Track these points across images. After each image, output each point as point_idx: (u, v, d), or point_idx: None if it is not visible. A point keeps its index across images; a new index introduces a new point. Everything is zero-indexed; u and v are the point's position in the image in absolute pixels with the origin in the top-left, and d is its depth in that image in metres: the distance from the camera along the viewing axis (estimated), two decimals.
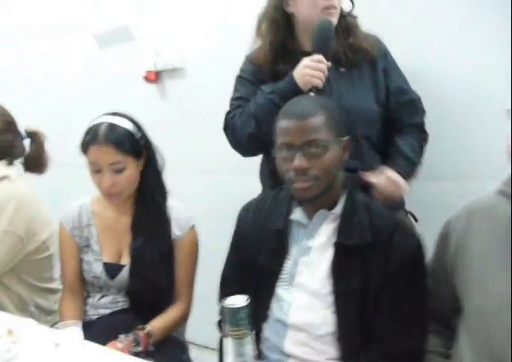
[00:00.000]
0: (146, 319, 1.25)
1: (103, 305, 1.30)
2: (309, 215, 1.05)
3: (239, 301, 0.60)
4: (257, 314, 1.02)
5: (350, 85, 1.32)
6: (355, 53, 1.32)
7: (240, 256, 1.11)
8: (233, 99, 1.42)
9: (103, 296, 1.30)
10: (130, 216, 1.29)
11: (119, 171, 1.20)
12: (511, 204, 0.85)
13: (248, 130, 1.32)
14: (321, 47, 1.25)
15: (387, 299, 0.97)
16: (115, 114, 1.24)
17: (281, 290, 1.04)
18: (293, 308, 1.02)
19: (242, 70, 1.43)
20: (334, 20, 1.29)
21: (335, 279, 0.99)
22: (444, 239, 0.96)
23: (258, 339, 1.05)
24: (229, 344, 0.59)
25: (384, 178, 1.23)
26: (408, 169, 1.31)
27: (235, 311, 0.59)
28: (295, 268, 1.04)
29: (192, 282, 1.34)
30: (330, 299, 0.99)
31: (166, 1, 2.10)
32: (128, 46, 2.20)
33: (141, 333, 1.19)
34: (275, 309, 1.05)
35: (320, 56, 1.23)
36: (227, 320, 0.60)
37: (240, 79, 1.42)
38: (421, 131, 1.36)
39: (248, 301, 0.61)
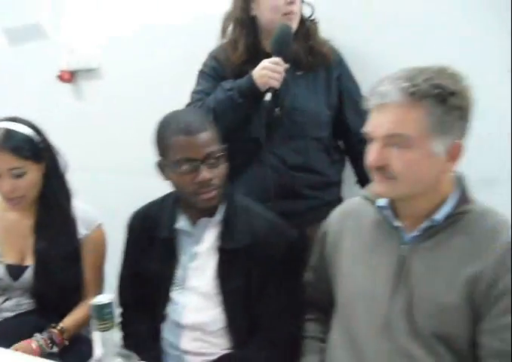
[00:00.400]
0: (52, 320, 1.26)
1: (7, 308, 1.29)
2: (193, 222, 1.12)
3: (104, 299, 0.67)
4: (156, 316, 1.13)
5: (305, 88, 1.39)
6: (314, 57, 1.38)
7: (133, 263, 1.18)
8: (194, 92, 1.45)
9: (6, 299, 1.30)
10: (32, 218, 1.30)
11: (19, 176, 1.21)
12: (374, 207, 0.96)
13: None
14: (280, 50, 1.30)
15: (267, 292, 1.07)
16: (12, 119, 1.24)
17: (175, 294, 1.13)
18: (186, 310, 1.11)
19: (204, 65, 1.47)
20: (294, 25, 1.35)
21: (221, 280, 1.08)
22: (322, 238, 1.07)
23: (159, 338, 1.13)
24: (97, 336, 0.66)
25: None
26: None
27: (101, 307, 0.66)
28: (185, 273, 1.12)
29: (100, 280, 1.36)
30: (218, 298, 1.09)
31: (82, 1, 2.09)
32: (42, 44, 2.17)
33: (55, 331, 1.21)
34: (171, 312, 1.13)
35: (278, 59, 1.28)
36: (95, 315, 0.67)
37: (202, 73, 1.46)
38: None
39: (112, 299, 0.68)
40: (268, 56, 1.31)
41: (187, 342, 1.11)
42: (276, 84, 1.27)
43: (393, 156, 0.85)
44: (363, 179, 1.38)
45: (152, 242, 1.14)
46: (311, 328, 1.10)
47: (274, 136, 1.36)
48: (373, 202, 0.95)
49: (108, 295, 0.68)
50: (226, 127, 1.24)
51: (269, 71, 1.27)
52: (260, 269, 1.07)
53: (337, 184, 1.47)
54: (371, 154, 0.87)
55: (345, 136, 1.46)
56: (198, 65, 1.74)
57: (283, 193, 1.35)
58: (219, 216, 1.11)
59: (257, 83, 1.28)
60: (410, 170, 0.85)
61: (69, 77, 2.11)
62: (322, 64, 1.39)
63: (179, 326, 1.12)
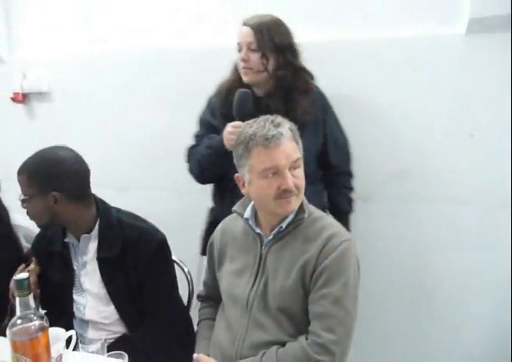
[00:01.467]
0: None
1: None
2: (77, 237, 1.38)
3: (22, 275, 0.93)
4: (67, 314, 1.41)
5: None
6: (299, 116, 1.48)
7: (41, 272, 1.41)
8: (195, 135, 1.68)
9: None
10: None
11: None
12: (243, 219, 1.25)
13: (195, 173, 1.63)
14: (240, 115, 1.48)
15: (147, 286, 1.35)
16: None
17: (76, 296, 1.41)
18: (87, 309, 1.39)
19: (203, 112, 1.69)
20: (248, 78, 1.54)
21: (105, 283, 1.36)
22: (210, 248, 1.36)
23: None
24: (18, 301, 0.93)
25: None
26: (348, 221, 1.69)
27: (20, 280, 0.93)
28: (80, 279, 1.39)
29: None
30: (107, 296, 1.37)
31: (36, 30, 2.32)
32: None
33: None
34: (76, 310, 1.41)
35: (239, 123, 1.42)
36: (16, 286, 0.93)
37: (200, 120, 1.68)
38: (350, 175, 1.71)
39: (28, 275, 0.95)
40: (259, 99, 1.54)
41: (92, 332, 1.39)
42: None
43: (297, 176, 1.14)
44: (333, 203, 1.68)
45: (52, 256, 1.40)
46: (206, 312, 1.40)
47: None
48: (242, 215, 1.25)
49: (24, 274, 0.96)
50: (213, 173, 1.58)
51: (231, 135, 1.44)
52: (136, 270, 1.34)
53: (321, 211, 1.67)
54: (289, 180, 1.12)
55: (326, 169, 1.67)
56: (145, 89, 2.06)
57: None
58: (95, 231, 1.37)
59: (226, 145, 1.48)
60: (304, 184, 1.17)
61: (22, 98, 2.36)
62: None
63: (84, 321, 1.41)
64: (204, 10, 1.98)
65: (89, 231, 1.37)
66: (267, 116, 1.18)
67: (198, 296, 1.46)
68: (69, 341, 1.13)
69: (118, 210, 1.43)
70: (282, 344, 1.14)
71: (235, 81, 1.59)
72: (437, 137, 1.74)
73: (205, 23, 1.99)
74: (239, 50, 1.57)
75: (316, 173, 1.64)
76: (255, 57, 1.53)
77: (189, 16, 2.01)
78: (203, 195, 1.76)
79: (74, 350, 1.15)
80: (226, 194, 1.59)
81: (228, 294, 1.26)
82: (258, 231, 1.23)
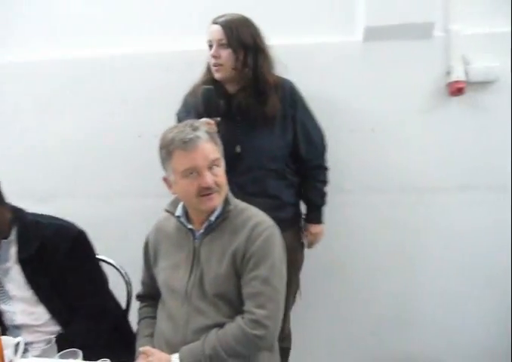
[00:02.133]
0: None
1: None
2: None
3: None
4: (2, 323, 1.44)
5: (262, 130, 1.59)
6: (261, 114, 1.56)
7: None
8: None
9: None
10: None
11: None
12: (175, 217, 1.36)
13: None
14: (207, 111, 1.51)
15: (69, 280, 1.41)
16: None
17: (4, 306, 1.44)
18: (17, 315, 1.43)
19: (178, 110, 1.68)
20: (220, 75, 1.58)
21: (30, 286, 1.41)
22: (145, 247, 1.44)
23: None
24: None
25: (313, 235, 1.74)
26: (320, 214, 1.75)
27: None
28: (5, 287, 1.43)
29: None
30: (35, 297, 1.41)
31: None
32: None
33: None
34: (6, 320, 1.44)
35: (208, 120, 1.48)
36: None
37: (176, 118, 1.67)
38: (324, 169, 1.74)
39: None
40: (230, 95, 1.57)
41: (26, 336, 1.41)
42: None
43: (216, 174, 1.25)
44: (306, 196, 1.73)
45: None
46: (145, 311, 1.47)
47: (236, 169, 1.54)
48: (173, 214, 1.35)
49: None
50: None
51: None
52: (57, 266, 1.40)
53: (293, 204, 1.72)
54: (208, 178, 1.22)
55: (299, 163, 1.71)
56: (67, 98, 2.00)
57: None
58: (13, 235, 1.41)
59: None
60: (225, 181, 1.29)
61: None
62: (266, 115, 1.58)
63: (15, 327, 1.44)
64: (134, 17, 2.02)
65: (6, 237, 1.40)
66: (187, 121, 1.29)
67: (137, 296, 1.53)
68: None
69: (35, 214, 1.48)
70: (222, 326, 1.25)
71: (208, 80, 1.62)
72: (344, 132, 1.94)
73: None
74: (210, 48, 1.60)
75: (285, 167, 1.68)
76: (226, 53, 1.57)
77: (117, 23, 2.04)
78: (135, 199, 1.82)
79: (22, 356, 1.18)
80: None
81: (167, 287, 1.35)
82: (190, 226, 1.33)
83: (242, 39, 1.56)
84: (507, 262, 1.91)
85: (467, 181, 1.92)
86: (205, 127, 1.28)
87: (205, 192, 1.24)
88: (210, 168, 1.24)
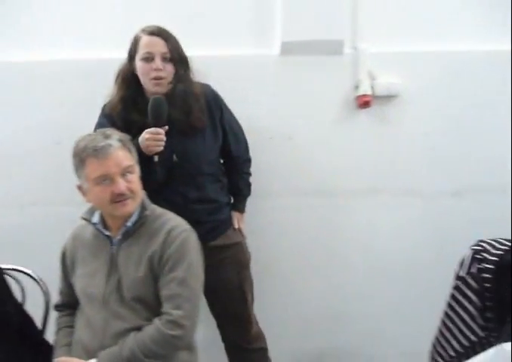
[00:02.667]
0: None
1: None
2: None
3: None
4: None
5: (195, 136, 1.61)
6: (190, 126, 1.57)
7: None
8: None
9: None
10: None
11: None
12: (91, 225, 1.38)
13: None
14: (156, 121, 1.50)
15: None
16: None
17: None
18: None
19: (98, 124, 1.61)
20: (162, 89, 1.55)
21: None
22: (63, 256, 1.45)
23: None
24: None
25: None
26: (245, 204, 1.81)
27: None
28: None
29: None
30: None
31: None
32: None
33: None
34: None
35: (157, 129, 1.48)
36: None
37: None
38: (249, 162, 1.83)
39: None
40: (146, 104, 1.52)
41: None
42: (161, 149, 1.49)
43: (129, 180, 1.28)
44: (234, 187, 1.78)
45: None
46: (63, 320, 1.47)
47: (176, 177, 1.58)
48: (89, 221, 1.37)
49: None
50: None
51: (151, 141, 1.48)
52: None
53: (227, 204, 1.76)
54: (121, 185, 1.26)
55: (227, 159, 1.77)
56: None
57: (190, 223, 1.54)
58: None
59: (144, 151, 1.48)
60: (139, 187, 1.32)
61: None
62: (195, 128, 1.60)
63: None
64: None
65: None
66: (100, 130, 1.32)
67: (56, 306, 1.51)
68: None
69: None
70: (141, 329, 1.28)
71: (136, 91, 1.58)
72: (265, 139, 2.04)
73: None
74: (147, 60, 1.55)
75: (220, 170, 1.74)
76: (169, 67, 1.56)
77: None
78: (50, 207, 1.79)
79: None
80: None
81: (84, 295, 1.36)
82: (107, 233, 1.36)
83: (180, 53, 1.60)
84: (424, 259, 2.08)
85: (374, 185, 2.09)
86: (117, 135, 1.31)
87: (118, 199, 1.28)
88: (123, 175, 1.28)
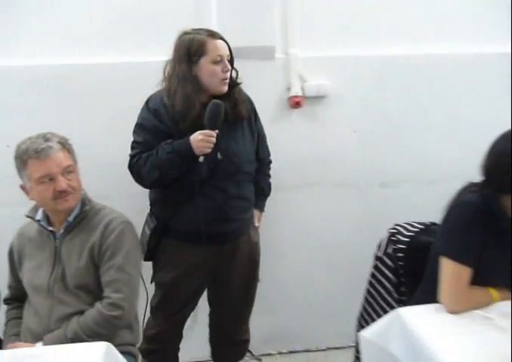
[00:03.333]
0: None
1: None
2: None
3: None
4: None
5: (237, 135, 1.69)
6: (237, 112, 1.67)
7: None
8: (136, 142, 1.65)
9: None
10: None
11: None
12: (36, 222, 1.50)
13: (152, 178, 1.61)
14: (212, 124, 1.56)
15: None
16: None
17: None
18: None
19: (143, 119, 1.65)
20: (226, 88, 1.64)
21: None
22: (11, 252, 1.56)
23: None
24: None
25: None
26: (265, 203, 1.94)
27: None
28: None
29: None
30: None
31: None
32: None
33: None
34: None
35: (212, 132, 1.54)
36: None
37: (141, 126, 1.65)
38: (271, 163, 1.95)
39: None
40: (203, 105, 1.58)
41: None
42: (210, 150, 1.56)
43: (70, 179, 1.40)
44: (259, 188, 1.86)
45: None
46: (12, 312, 1.60)
47: (217, 173, 1.63)
48: (34, 218, 1.49)
49: None
50: (172, 178, 1.60)
51: (205, 143, 1.54)
52: None
53: (254, 203, 1.85)
54: (62, 183, 1.38)
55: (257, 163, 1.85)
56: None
57: (221, 218, 1.67)
58: None
59: (194, 150, 1.54)
60: (79, 184, 1.44)
61: None
62: (242, 116, 1.70)
63: None
64: None
65: None
66: (40, 133, 1.43)
67: (4, 300, 1.62)
68: None
69: None
70: (83, 313, 1.41)
71: (198, 92, 1.61)
72: None
73: None
74: (216, 62, 1.61)
75: (254, 170, 1.81)
76: (231, 69, 1.67)
77: None
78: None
79: None
80: (187, 201, 1.65)
81: (31, 286, 1.48)
82: (51, 228, 1.48)
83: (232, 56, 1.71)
84: (358, 243, 2.25)
85: (310, 179, 2.28)
86: (57, 138, 1.43)
87: (60, 196, 1.40)
88: (63, 174, 1.41)
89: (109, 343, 1.19)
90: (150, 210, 1.80)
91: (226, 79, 1.64)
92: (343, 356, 2.37)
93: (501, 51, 2.22)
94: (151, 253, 1.72)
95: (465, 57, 2.26)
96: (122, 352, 1.28)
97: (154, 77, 1.71)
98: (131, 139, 1.71)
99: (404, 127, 2.31)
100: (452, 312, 1.31)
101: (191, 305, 1.87)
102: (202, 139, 1.55)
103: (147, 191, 1.80)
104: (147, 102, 1.69)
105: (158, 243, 1.71)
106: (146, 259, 1.74)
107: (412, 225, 1.85)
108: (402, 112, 2.30)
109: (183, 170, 1.61)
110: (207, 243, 1.69)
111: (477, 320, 1.27)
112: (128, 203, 1.88)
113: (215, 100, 1.59)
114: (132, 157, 1.66)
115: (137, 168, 1.63)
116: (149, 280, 1.80)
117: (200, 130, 1.57)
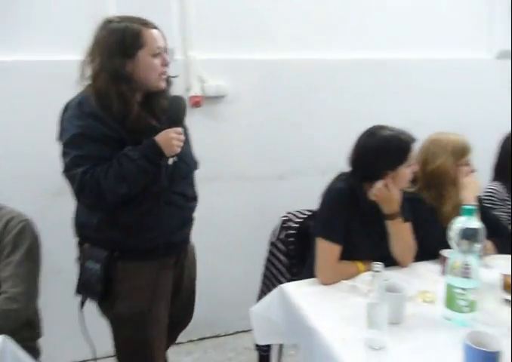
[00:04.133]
0: None
1: None
2: None
3: None
4: None
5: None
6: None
7: None
8: (79, 157, 1.37)
9: None
10: None
11: None
12: None
13: (119, 193, 1.38)
14: (179, 121, 1.45)
15: None
16: None
17: None
18: None
19: (80, 126, 1.37)
20: (164, 84, 1.47)
21: None
22: None
23: None
24: None
25: None
26: None
27: None
28: None
29: None
30: None
31: None
32: None
33: None
34: None
35: (180, 129, 1.42)
36: None
37: (81, 136, 1.37)
38: None
39: None
40: (140, 105, 1.41)
41: None
42: (179, 150, 1.42)
43: None
44: None
45: None
46: None
47: (174, 177, 1.49)
48: None
49: None
50: (140, 188, 1.41)
51: (176, 141, 1.41)
52: None
53: None
54: None
55: None
56: None
57: (183, 224, 1.57)
58: None
59: (165, 151, 1.39)
60: None
61: None
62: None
63: None
64: None
65: None
66: None
67: None
68: None
69: None
70: None
71: (134, 89, 1.42)
72: None
73: None
74: (155, 55, 1.43)
75: None
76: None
77: None
78: None
79: None
80: (152, 212, 1.47)
81: None
82: None
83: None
84: (256, 232, 2.31)
85: (210, 173, 2.42)
86: None
87: None
88: None
89: (5, 336, 1.23)
90: (83, 239, 1.53)
91: (164, 74, 1.47)
92: (250, 337, 2.55)
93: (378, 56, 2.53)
94: (105, 287, 1.47)
95: (347, 62, 2.54)
96: (23, 347, 1.29)
97: None
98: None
99: (297, 124, 2.54)
100: (324, 284, 1.53)
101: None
102: (173, 138, 1.42)
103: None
104: (79, 106, 1.40)
105: (111, 275, 1.47)
106: (100, 300, 1.50)
107: (302, 213, 2.07)
108: (295, 110, 2.53)
109: (150, 179, 1.43)
110: (166, 254, 1.53)
111: (344, 288, 1.50)
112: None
113: (176, 95, 1.49)
114: (83, 174, 1.37)
115: (92, 186, 1.37)
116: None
117: (144, 131, 1.41)
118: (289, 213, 2.07)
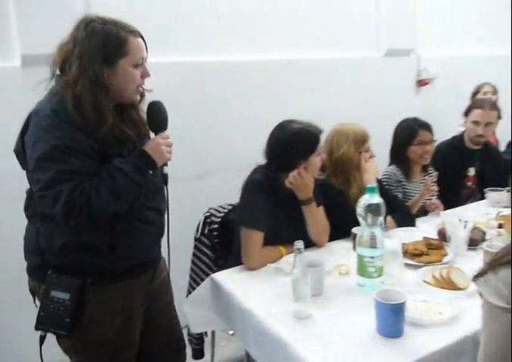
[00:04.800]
0: None
1: None
2: None
3: None
4: None
5: None
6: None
7: None
8: (67, 171, 1.21)
9: None
10: None
11: None
12: None
13: (115, 209, 1.25)
14: (163, 125, 1.36)
15: None
16: None
17: None
18: None
19: (60, 138, 1.21)
20: (139, 97, 1.38)
21: None
22: None
23: None
24: None
25: None
26: None
27: None
28: None
29: None
30: None
31: None
32: None
33: None
34: None
35: (167, 134, 1.35)
36: None
37: (66, 149, 1.21)
38: None
39: None
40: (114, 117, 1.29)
41: None
42: (171, 156, 1.36)
43: None
44: None
45: None
46: None
47: (149, 192, 1.37)
48: None
49: None
50: (130, 202, 1.28)
51: (165, 147, 1.33)
52: None
53: None
54: None
55: None
56: None
57: (157, 240, 1.47)
58: None
59: (156, 160, 1.31)
60: None
61: None
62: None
63: None
64: None
65: None
66: None
67: None
68: None
69: None
70: None
71: (109, 100, 1.29)
72: None
73: None
74: (137, 66, 1.33)
75: None
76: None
77: None
78: None
79: None
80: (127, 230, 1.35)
81: None
82: None
83: None
84: (181, 231, 2.39)
85: None
86: None
87: None
88: None
89: None
90: (44, 266, 1.35)
91: (141, 86, 1.38)
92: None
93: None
94: (78, 315, 1.32)
95: (251, 63, 2.67)
96: None
97: None
98: None
99: (214, 124, 2.63)
100: (251, 269, 1.64)
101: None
102: (162, 143, 1.34)
103: None
104: (55, 114, 1.25)
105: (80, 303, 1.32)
106: (70, 331, 1.30)
107: (223, 207, 2.17)
108: (212, 112, 2.62)
109: (142, 190, 1.33)
110: (140, 274, 1.45)
111: (270, 271, 1.62)
112: None
113: (155, 100, 1.40)
114: (70, 191, 1.22)
115: (83, 204, 1.22)
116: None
117: (118, 143, 1.31)
118: (211, 208, 2.16)
